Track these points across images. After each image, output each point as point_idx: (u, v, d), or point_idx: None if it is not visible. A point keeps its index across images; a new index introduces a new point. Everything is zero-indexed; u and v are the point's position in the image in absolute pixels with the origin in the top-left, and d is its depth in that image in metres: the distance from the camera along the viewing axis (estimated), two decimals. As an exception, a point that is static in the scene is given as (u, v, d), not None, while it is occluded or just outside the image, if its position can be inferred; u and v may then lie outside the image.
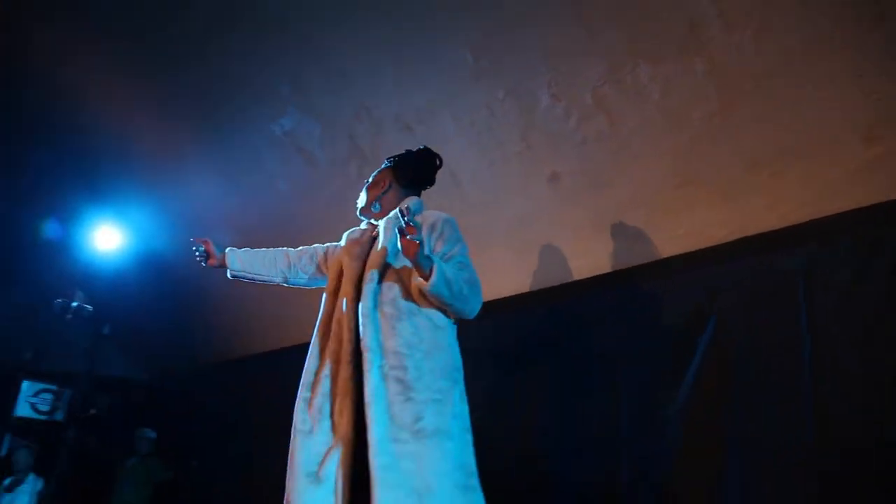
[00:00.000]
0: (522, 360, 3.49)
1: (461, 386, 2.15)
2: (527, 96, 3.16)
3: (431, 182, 2.57)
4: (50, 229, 5.62)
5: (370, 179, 2.53)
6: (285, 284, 2.66)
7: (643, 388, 2.91)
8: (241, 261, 2.60)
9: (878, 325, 2.34)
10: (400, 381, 2.01)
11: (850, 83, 2.39)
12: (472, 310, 2.17)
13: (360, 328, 2.10)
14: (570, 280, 3.42)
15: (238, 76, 4.05)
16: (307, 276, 2.62)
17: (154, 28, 4.00)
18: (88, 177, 5.33)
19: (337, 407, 2.09)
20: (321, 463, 2.03)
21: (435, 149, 3.56)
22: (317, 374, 2.17)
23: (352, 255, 2.31)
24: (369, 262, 2.22)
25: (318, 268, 2.58)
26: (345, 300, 2.20)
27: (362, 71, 3.62)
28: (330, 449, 2.04)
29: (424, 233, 2.23)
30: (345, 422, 2.04)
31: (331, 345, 2.18)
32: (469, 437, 2.09)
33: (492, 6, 3.02)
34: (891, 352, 2.30)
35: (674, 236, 2.97)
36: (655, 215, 3.04)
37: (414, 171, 2.51)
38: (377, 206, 2.45)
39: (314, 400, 2.13)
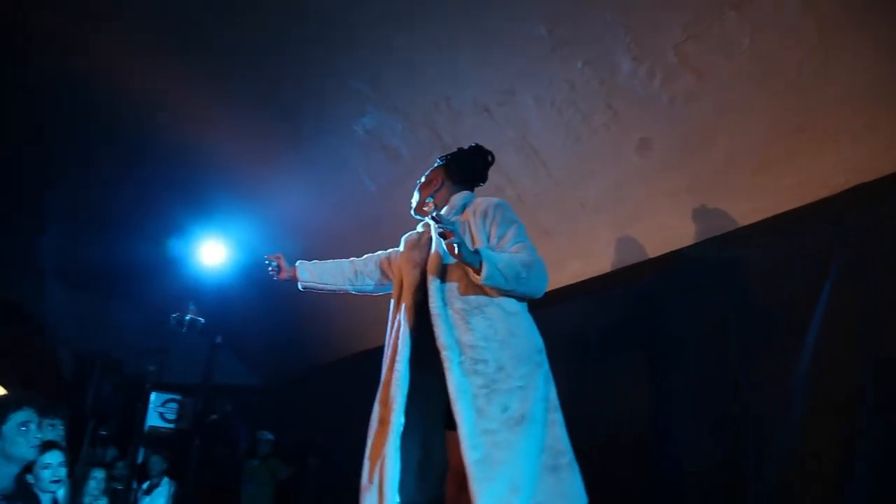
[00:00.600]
0: (626, 338, 3.37)
1: (544, 367, 2.13)
2: (606, 63, 3.03)
3: (484, 178, 2.57)
4: (167, 248, 5.94)
5: (423, 179, 2.55)
6: (353, 292, 2.73)
7: (759, 355, 2.72)
8: (311, 272, 2.71)
9: None
10: (481, 374, 2.02)
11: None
12: (537, 289, 2.14)
13: (434, 329, 2.11)
14: (669, 250, 3.26)
15: (316, 81, 4.12)
16: (374, 283, 2.68)
17: (239, 52, 4.14)
18: (191, 194, 5.60)
19: (382, 414, 2.15)
20: (371, 469, 2.11)
21: (517, 130, 3.53)
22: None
23: (411, 261, 2.35)
24: (429, 265, 2.24)
25: (384, 273, 2.64)
26: (403, 306, 2.25)
27: (436, 61, 3.59)
28: (376, 453, 2.11)
29: (477, 221, 2.24)
30: (388, 429, 2.09)
31: (388, 352, 2.24)
32: (556, 417, 2.08)
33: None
34: None
35: (783, 190, 2.76)
36: (760, 171, 2.83)
37: (465, 168, 2.51)
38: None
39: (374, 406, 2.22)
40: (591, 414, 3.07)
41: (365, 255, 2.71)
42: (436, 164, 2.56)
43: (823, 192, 2.65)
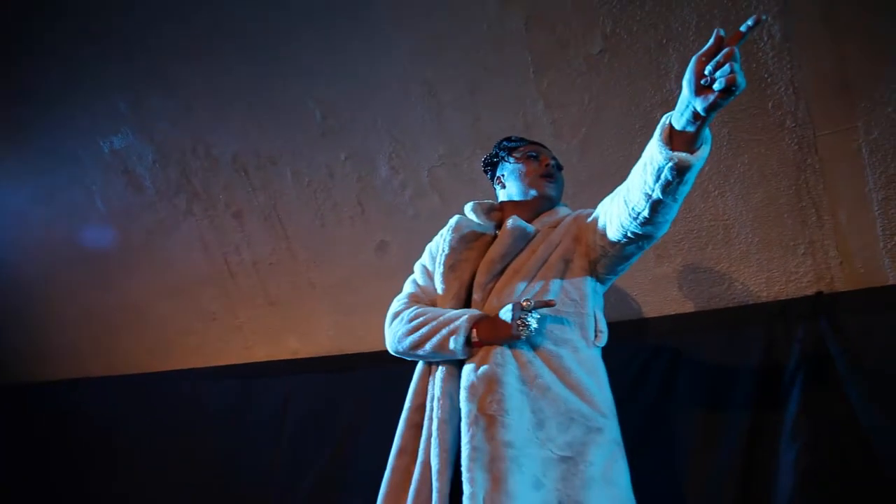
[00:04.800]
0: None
1: None
2: (368, 163, 3.20)
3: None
4: None
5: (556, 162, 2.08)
6: None
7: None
8: None
9: None
10: None
11: None
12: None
13: None
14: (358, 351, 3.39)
15: (75, 84, 3.78)
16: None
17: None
18: None
19: None
20: None
21: (269, 198, 3.52)
22: None
23: None
24: None
25: None
26: None
27: (207, 105, 3.50)
28: None
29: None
30: None
31: None
32: None
33: (345, 75, 3.07)
34: None
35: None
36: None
37: None
38: None
39: None
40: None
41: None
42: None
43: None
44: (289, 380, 3.64)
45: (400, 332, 1.86)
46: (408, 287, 2.03)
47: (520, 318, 1.67)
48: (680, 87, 2.43)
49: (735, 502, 2.25)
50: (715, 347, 2.49)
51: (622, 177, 2.67)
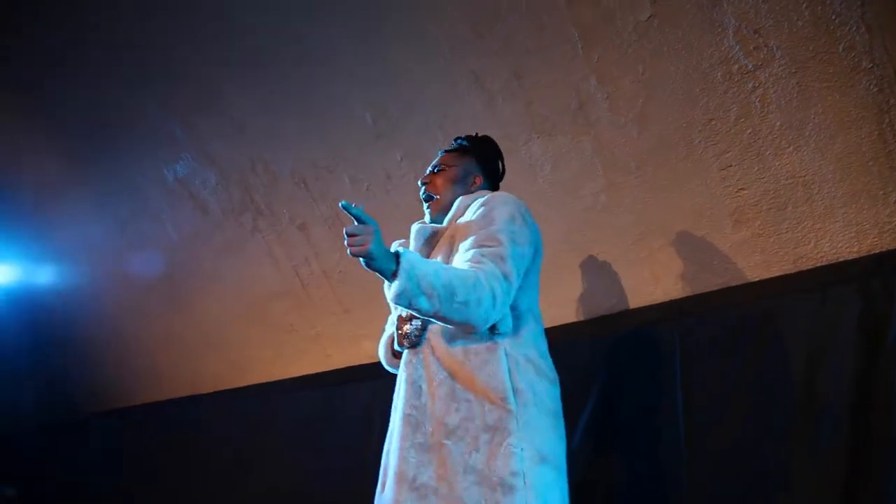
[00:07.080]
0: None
1: None
2: (422, 160, 3.16)
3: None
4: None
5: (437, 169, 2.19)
6: None
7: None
8: None
9: None
10: None
11: None
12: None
13: None
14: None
15: (132, 118, 3.90)
16: None
17: (43, 60, 3.83)
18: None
19: None
20: None
21: (331, 206, 3.54)
22: None
23: None
24: None
25: None
26: None
27: (261, 122, 3.55)
28: None
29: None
30: None
31: None
32: None
33: (390, 76, 3.05)
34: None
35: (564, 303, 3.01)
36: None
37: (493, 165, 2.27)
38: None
39: None
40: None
41: None
42: (453, 148, 2.24)
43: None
44: (371, 384, 3.66)
45: None
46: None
47: (402, 331, 1.88)
48: (739, 43, 2.33)
49: (845, 476, 2.12)
50: (807, 311, 2.35)
51: (685, 146, 2.60)
